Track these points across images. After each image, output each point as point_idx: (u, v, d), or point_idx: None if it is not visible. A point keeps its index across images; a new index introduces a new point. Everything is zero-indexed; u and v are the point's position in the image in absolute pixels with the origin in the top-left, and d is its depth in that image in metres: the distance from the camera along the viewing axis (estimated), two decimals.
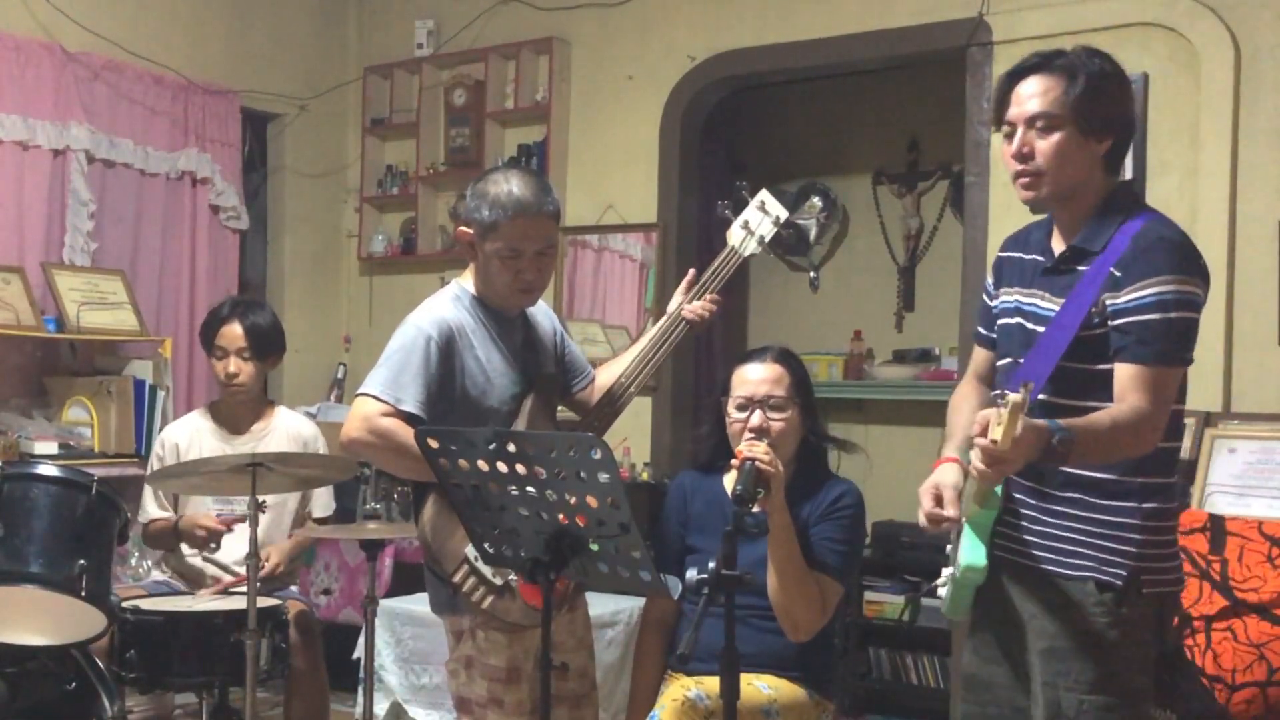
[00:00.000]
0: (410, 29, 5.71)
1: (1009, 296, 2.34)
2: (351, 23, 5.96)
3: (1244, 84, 3.90)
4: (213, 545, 3.62)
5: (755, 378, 2.83)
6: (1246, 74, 3.90)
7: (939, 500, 2.28)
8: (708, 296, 2.83)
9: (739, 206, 2.89)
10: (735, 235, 2.88)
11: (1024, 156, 2.21)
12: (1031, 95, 2.20)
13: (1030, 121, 2.19)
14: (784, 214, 2.87)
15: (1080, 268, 2.21)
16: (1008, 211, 4.29)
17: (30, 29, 4.68)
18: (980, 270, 4.36)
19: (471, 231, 2.70)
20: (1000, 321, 2.37)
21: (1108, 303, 2.14)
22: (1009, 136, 2.24)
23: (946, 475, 2.32)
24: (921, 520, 2.31)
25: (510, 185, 2.65)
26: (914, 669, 5.11)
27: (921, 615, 5.08)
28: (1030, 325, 2.27)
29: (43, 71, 4.67)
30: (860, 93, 5.75)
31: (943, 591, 2.36)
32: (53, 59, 4.71)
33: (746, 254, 2.87)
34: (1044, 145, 2.19)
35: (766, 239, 2.86)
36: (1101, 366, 2.16)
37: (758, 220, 2.87)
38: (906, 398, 5.53)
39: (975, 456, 1.99)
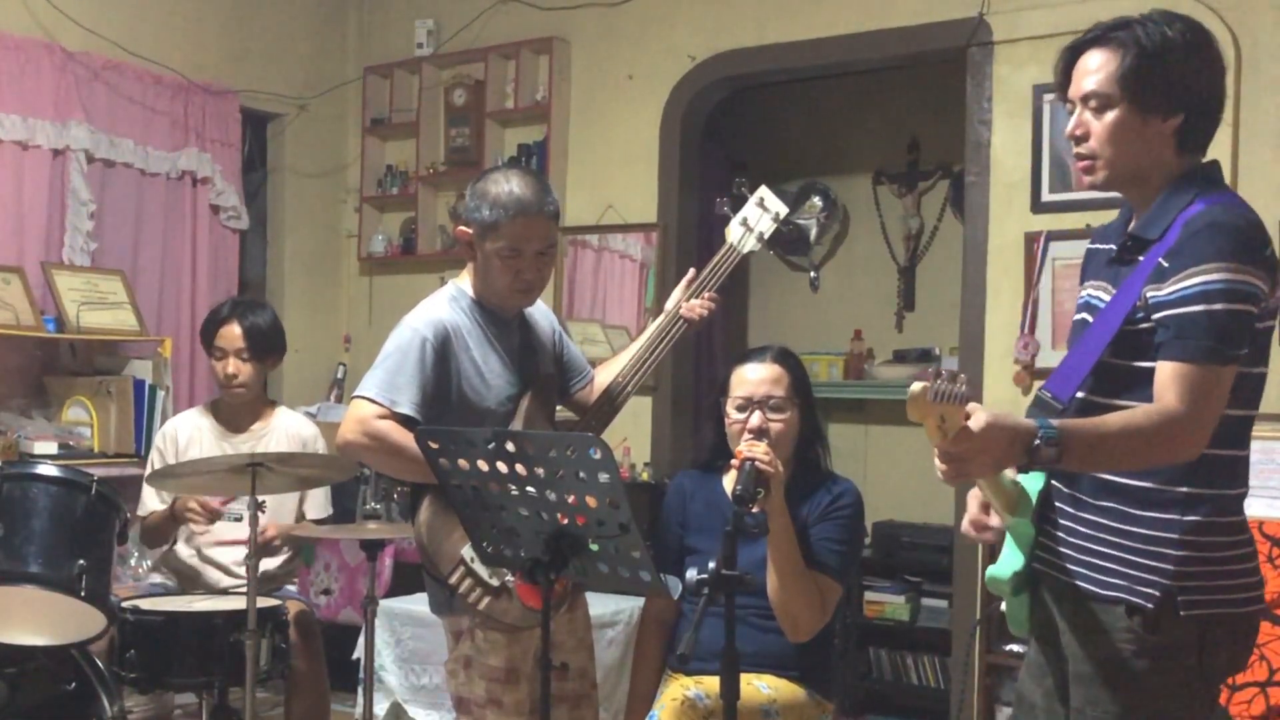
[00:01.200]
0: (410, 29, 5.70)
1: (1084, 291, 2.19)
2: (351, 23, 5.96)
3: (1244, 84, 3.90)
4: (201, 527, 3.61)
5: (754, 378, 2.83)
6: (1246, 74, 3.90)
7: (986, 508, 2.17)
8: (705, 295, 2.82)
9: (738, 203, 2.89)
10: (734, 232, 2.87)
11: (1078, 139, 2.08)
12: (1086, 72, 2.05)
13: (1085, 100, 2.06)
14: (783, 210, 2.86)
15: (1140, 257, 2.04)
16: (1008, 211, 4.30)
17: (30, 29, 4.68)
18: (980, 270, 4.37)
19: (471, 231, 2.70)
20: (1074, 317, 2.23)
21: (1149, 296, 1.97)
22: (1070, 114, 2.11)
23: None
24: (965, 525, 2.21)
25: (511, 185, 2.65)
26: (914, 669, 5.11)
27: (921, 615, 5.09)
28: (1090, 319, 2.13)
29: (43, 71, 4.67)
30: (860, 93, 5.75)
31: (1004, 606, 2.26)
32: (53, 59, 4.70)
33: (745, 251, 2.86)
34: (1098, 127, 2.04)
35: (766, 235, 2.85)
36: (1142, 364, 2.00)
37: (756, 217, 2.86)
38: (907, 398, 5.51)
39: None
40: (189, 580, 3.75)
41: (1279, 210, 3.82)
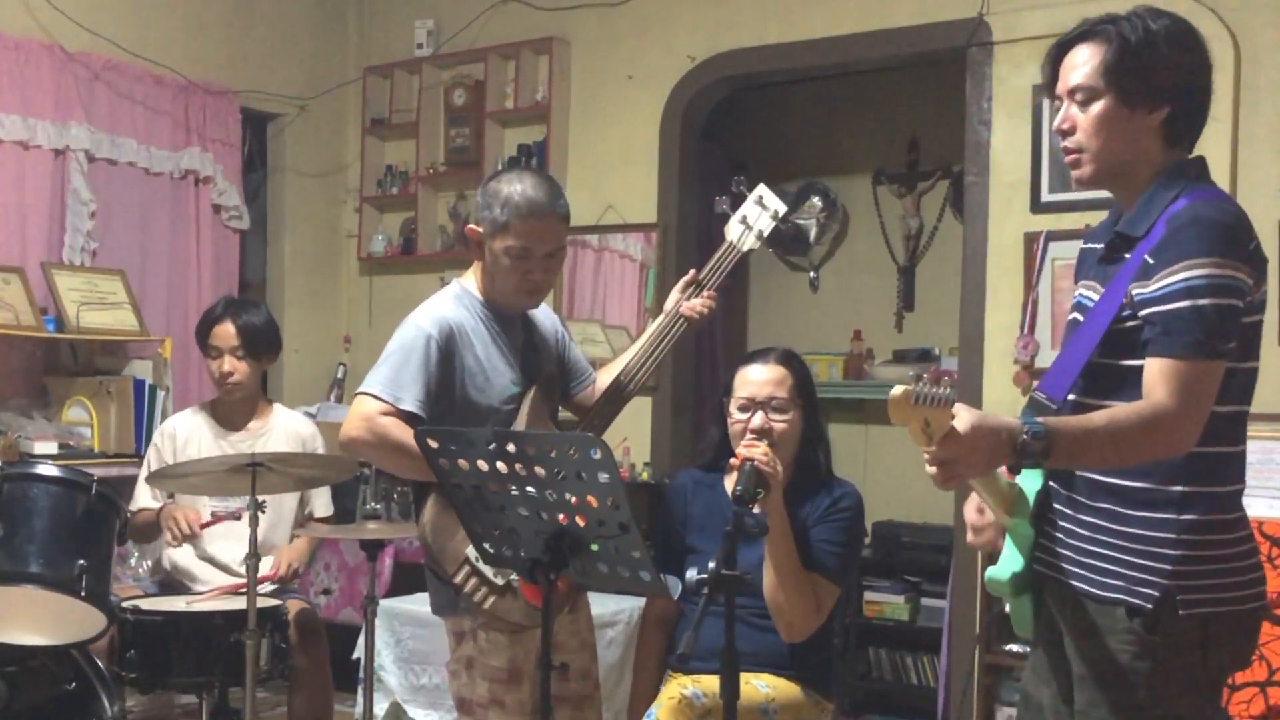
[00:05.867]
0: (410, 29, 5.71)
1: (1077, 291, 2.17)
2: (351, 23, 5.96)
3: (1244, 84, 3.90)
4: (173, 542, 3.59)
5: (758, 379, 2.83)
6: (1246, 74, 3.90)
7: (980, 510, 2.18)
8: (705, 294, 2.83)
9: (737, 201, 2.90)
10: (733, 230, 2.87)
11: (1065, 132, 2.07)
12: (1073, 67, 2.06)
13: (1072, 94, 2.06)
14: (782, 208, 2.87)
15: (1127, 255, 2.03)
16: (1008, 211, 4.30)
17: (30, 29, 4.68)
18: (980, 270, 4.37)
19: (480, 230, 2.70)
20: (1068, 317, 2.21)
21: (1135, 293, 1.96)
22: (1057, 111, 2.12)
23: None
24: (969, 537, 2.22)
25: (523, 185, 2.66)
26: (914, 669, 5.11)
27: (921, 615, 5.09)
28: (1081, 319, 2.11)
29: (43, 71, 4.67)
30: (860, 93, 5.75)
31: (1007, 607, 2.24)
32: (53, 59, 4.70)
33: (745, 249, 2.87)
34: (1084, 119, 2.04)
35: (765, 233, 2.86)
36: (1129, 362, 1.99)
37: (755, 215, 2.87)
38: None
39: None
40: (181, 583, 3.74)
41: (1279, 210, 3.84)
